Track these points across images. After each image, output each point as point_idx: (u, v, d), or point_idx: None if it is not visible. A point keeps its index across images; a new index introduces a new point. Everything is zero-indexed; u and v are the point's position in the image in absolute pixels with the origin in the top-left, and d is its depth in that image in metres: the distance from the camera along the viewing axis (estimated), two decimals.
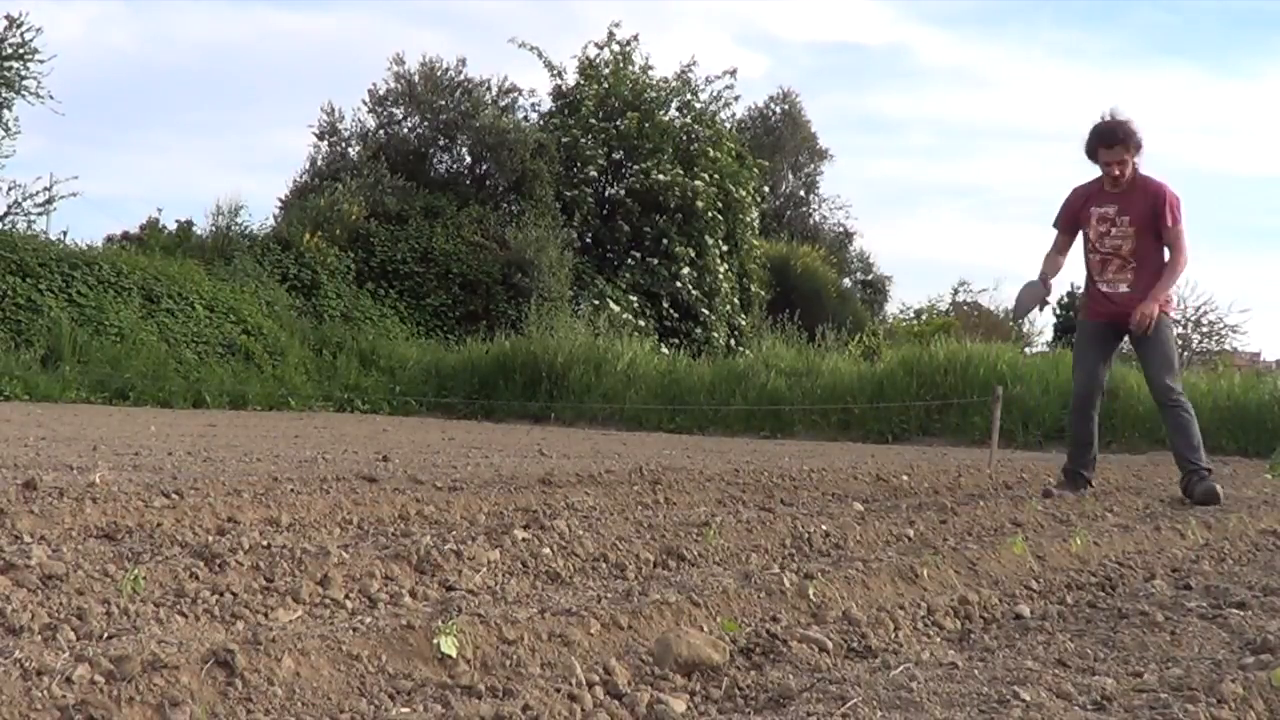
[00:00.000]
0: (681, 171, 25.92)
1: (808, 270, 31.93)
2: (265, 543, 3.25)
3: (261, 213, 46.58)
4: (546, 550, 3.50)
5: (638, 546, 3.75)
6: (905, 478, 7.25)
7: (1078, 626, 3.01)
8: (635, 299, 24.80)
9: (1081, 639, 2.80)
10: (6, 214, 18.80)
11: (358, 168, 24.32)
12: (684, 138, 27.02)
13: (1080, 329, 6.83)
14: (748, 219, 27.95)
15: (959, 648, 2.76)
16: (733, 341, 25.98)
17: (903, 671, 2.32)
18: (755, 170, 29.04)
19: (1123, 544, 4.54)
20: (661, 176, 25.59)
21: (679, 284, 25.56)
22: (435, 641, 2.27)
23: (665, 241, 25.54)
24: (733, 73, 27.83)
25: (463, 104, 25.12)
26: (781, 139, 39.95)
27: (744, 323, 26.93)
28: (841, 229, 42.10)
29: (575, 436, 13.70)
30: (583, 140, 25.71)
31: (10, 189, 18.89)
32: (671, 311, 25.56)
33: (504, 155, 24.65)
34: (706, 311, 25.93)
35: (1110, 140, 6.23)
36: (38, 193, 18.90)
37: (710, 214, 26.29)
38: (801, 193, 42.01)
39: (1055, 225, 6.68)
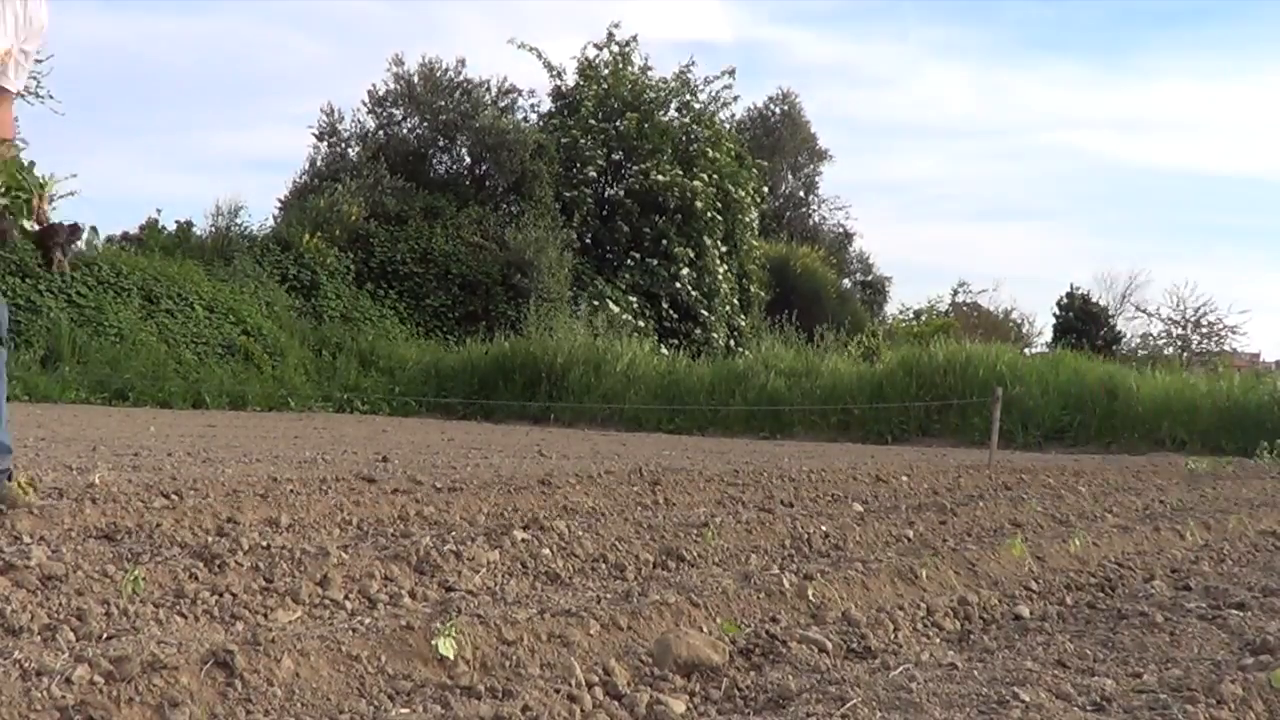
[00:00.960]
0: (681, 172, 25.92)
1: (807, 271, 31.94)
2: (265, 543, 3.25)
3: (261, 213, 46.55)
4: (546, 551, 3.50)
5: (637, 547, 3.75)
6: (905, 478, 7.25)
7: (1077, 627, 3.01)
8: (635, 300, 24.80)
9: (1081, 640, 2.80)
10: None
11: (357, 168, 24.33)
12: (683, 138, 27.02)
13: None
14: (747, 219, 27.95)
15: (959, 648, 2.76)
16: (732, 342, 25.98)
17: (902, 672, 2.32)
18: (754, 171, 29.04)
19: (1122, 545, 4.54)
20: (661, 177, 25.59)
21: (678, 285, 25.56)
22: (435, 642, 2.27)
23: (664, 242, 25.54)
24: (731, 73, 27.87)
25: (462, 105, 25.13)
26: (781, 139, 39.95)
27: (743, 323, 26.93)
28: (841, 229, 42.13)
29: (575, 437, 13.70)
30: (582, 141, 25.71)
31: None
32: (671, 312, 25.56)
33: (503, 156, 24.65)
34: (706, 312, 25.93)
35: None
36: None
37: (709, 214, 26.29)
38: (801, 193, 42.02)
39: None
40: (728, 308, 26.75)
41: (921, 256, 68.78)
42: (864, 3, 67.39)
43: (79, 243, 3.91)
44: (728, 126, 29.15)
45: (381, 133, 25.62)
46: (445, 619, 2.38)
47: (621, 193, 26.51)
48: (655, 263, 25.52)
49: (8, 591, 2.53)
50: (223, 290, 19.43)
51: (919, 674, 2.30)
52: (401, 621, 2.37)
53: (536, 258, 22.90)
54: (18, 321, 16.30)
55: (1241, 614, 3.14)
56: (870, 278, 41.41)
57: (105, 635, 2.32)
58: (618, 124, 26.12)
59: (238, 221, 22.31)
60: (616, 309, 23.27)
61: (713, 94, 27.77)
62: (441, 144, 25.68)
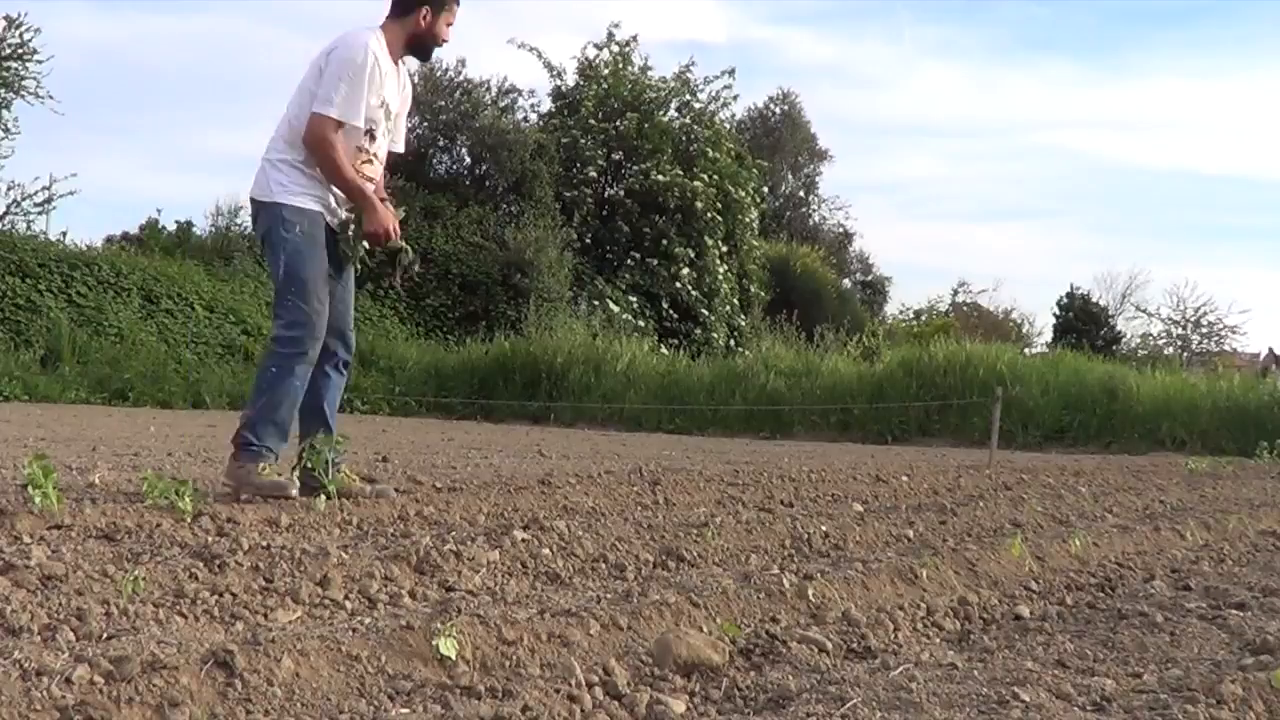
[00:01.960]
0: (681, 172, 25.90)
1: (807, 271, 31.92)
2: (265, 543, 3.25)
3: None
4: (546, 551, 3.50)
5: (637, 547, 3.75)
6: (905, 478, 7.25)
7: (1077, 627, 3.01)
8: (635, 299, 24.79)
9: (1081, 640, 2.80)
10: (6, 214, 18.79)
11: None
12: (683, 138, 27.00)
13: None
14: (747, 219, 27.93)
15: (959, 648, 2.76)
16: (732, 342, 25.96)
17: (902, 672, 2.32)
18: (754, 171, 29.02)
19: (1122, 545, 4.54)
20: (661, 177, 25.57)
21: (678, 284, 25.55)
22: (435, 642, 2.27)
23: (664, 242, 25.52)
24: (731, 73, 27.86)
25: (462, 105, 25.12)
26: (781, 139, 39.94)
27: (743, 323, 26.92)
28: (841, 229, 42.13)
29: (575, 437, 13.69)
30: (582, 141, 25.70)
31: (10, 189, 18.89)
32: (671, 312, 25.54)
33: (504, 156, 24.64)
34: (706, 312, 25.91)
35: None
36: (37, 192, 18.89)
37: (710, 214, 26.27)
38: (801, 193, 42.01)
39: None
40: (728, 308, 26.74)
41: (921, 256, 68.83)
42: (857, 2, 67.42)
43: (415, 266, 4.76)
44: (728, 127, 29.14)
45: None
46: (445, 619, 2.38)
47: (621, 193, 26.49)
48: (655, 263, 25.50)
49: (8, 591, 2.53)
50: (223, 290, 19.42)
51: (919, 674, 2.30)
52: (401, 621, 2.37)
53: (536, 258, 22.89)
54: (18, 321, 16.31)
55: (1241, 614, 3.14)
56: (870, 278, 41.41)
57: (105, 635, 2.32)
58: (618, 124, 26.09)
59: (238, 221, 22.29)
60: (616, 309, 23.26)
61: (713, 94, 27.78)
62: (441, 144, 25.67)
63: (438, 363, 19.89)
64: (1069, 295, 37.16)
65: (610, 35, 27.03)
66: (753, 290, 28.14)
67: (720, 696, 2.28)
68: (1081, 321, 35.73)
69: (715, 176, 26.64)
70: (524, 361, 18.83)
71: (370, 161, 4.55)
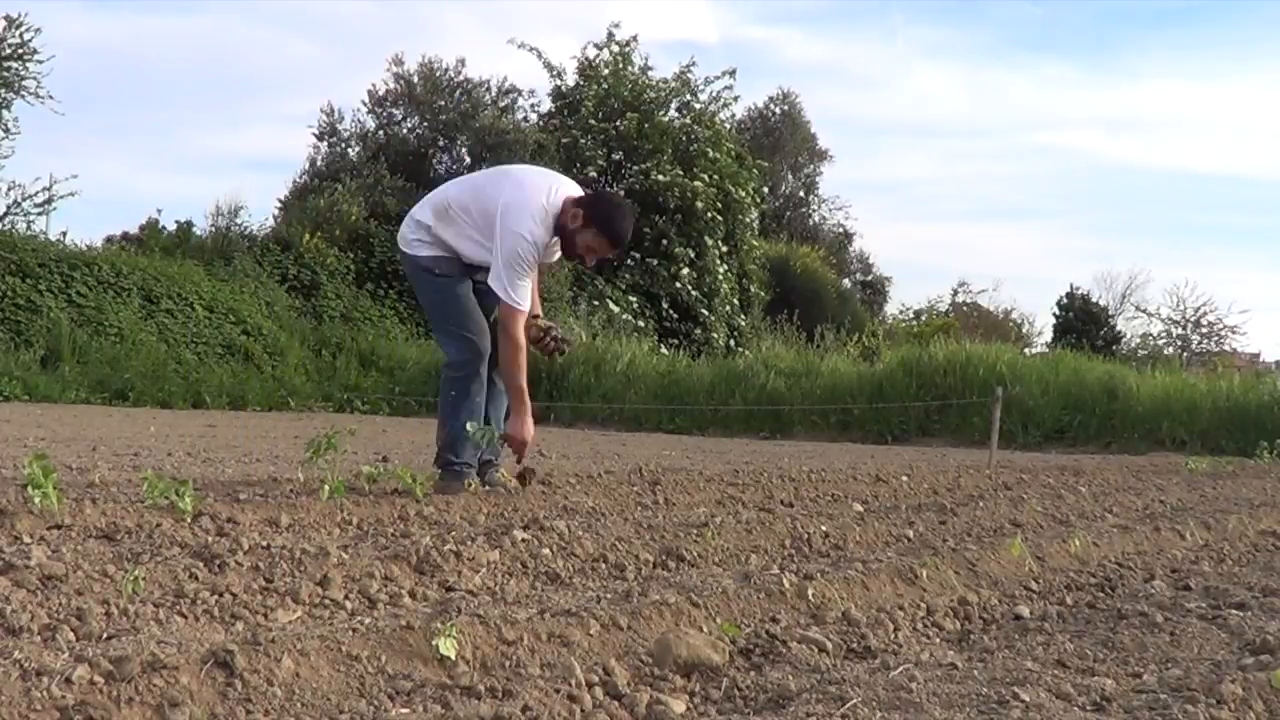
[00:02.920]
0: (681, 172, 25.90)
1: (807, 271, 31.93)
2: (265, 543, 3.25)
3: (261, 213, 46.51)
4: (546, 551, 3.50)
5: (637, 547, 3.75)
6: (905, 478, 7.25)
7: (1077, 627, 3.01)
8: (635, 300, 24.79)
9: (1081, 640, 2.80)
10: (6, 214, 18.79)
11: (357, 168, 24.31)
12: (683, 138, 26.99)
13: None
14: (747, 219, 27.94)
15: (958, 648, 2.76)
16: (732, 342, 25.97)
17: (902, 672, 2.32)
18: (754, 171, 29.01)
19: (1122, 545, 4.54)
20: (661, 177, 25.57)
21: (678, 285, 25.55)
22: (435, 642, 2.27)
23: (665, 242, 25.52)
24: (732, 73, 27.86)
25: (462, 104, 25.12)
26: (781, 140, 39.95)
27: (743, 323, 26.92)
28: (841, 229, 42.13)
29: (574, 437, 13.69)
30: (582, 141, 25.70)
31: (10, 189, 18.89)
32: (671, 312, 25.54)
33: (504, 156, 24.63)
34: (706, 312, 25.92)
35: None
36: (37, 193, 18.89)
37: (710, 215, 26.27)
38: (801, 193, 42.02)
39: None
40: (728, 308, 26.74)
41: (921, 256, 68.85)
42: (850, 3, 67.43)
43: (570, 348, 5.62)
44: (728, 127, 29.14)
45: (381, 132, 25.61)
46: (445, 619, 2.38)
47: (622, 193, 26.50)
48: (655, 263, 25.50)
49: (8, 591, 2.52)
50: (223, 290, 19.42)
51: (919, 674, 2.30)
52: (401, 621, 2.37)
53: None
54: (18, 321, 16.31)
55: (1241, 614, 3.14)
56: (870, 278, 41.44)
57: (105, 635, 2.32)
58: (618, 124, 26.09)
59: (238, 221, 22.30)
60: (616, 309, 23.26)
61: (713, 94, 27.79)
62: (441, 144, 25.67)
63: (438, 363, 19.84)
64: (1069, 295, 37.18)
65: (610, 35, 27.06)
66: (753, 290, 28.14)
67: (720, 696, 2.28)
68: (1081, 321, 35.75)
69: (715, 176, 26.64)
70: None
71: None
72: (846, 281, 38.03)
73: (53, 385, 15.31)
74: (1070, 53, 70.13)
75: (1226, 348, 36.66)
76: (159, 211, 30.48)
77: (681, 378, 18.60)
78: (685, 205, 25.81)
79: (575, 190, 5.02)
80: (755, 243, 28.88)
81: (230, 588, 2.75)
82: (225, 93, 57.49)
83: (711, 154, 26.77)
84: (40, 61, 18.81)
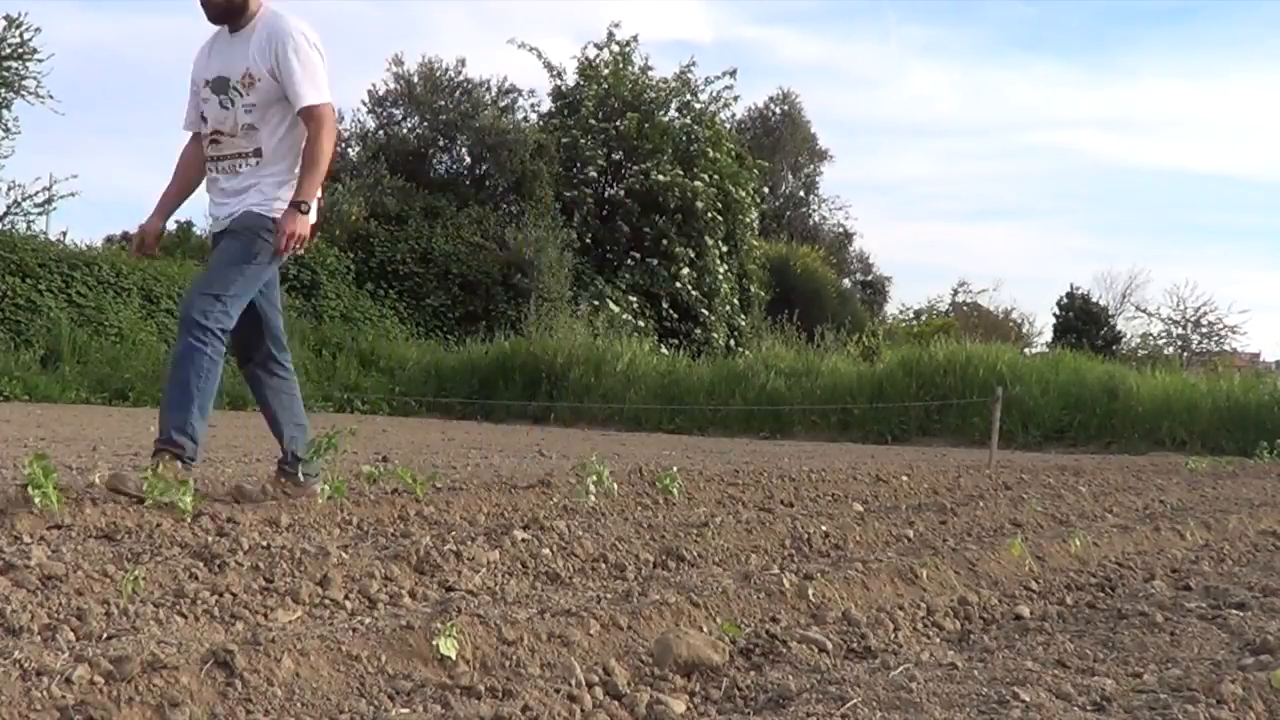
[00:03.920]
0: (681, 172, 25.90)
1: (807, 271, 31.92)
2: (265, 543, 3.25)
3: None
4: (546, 551, 3.50)
5: (637, 547, 3.75)
6: (905, 478, 7.25)
7: (1077, 627, 3.01)
8: (635, 299, 24.79)
9: (1081, 640, 2.80)
10: (6, 214, 18.79)
11: (357, 168, 24.30)
12: (683, 138, 27.00)
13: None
14: (747, 219, 27.94)
15: (959, 648, 2.76)
16: (732, 342, 25.97)
17: (902, 672, 2.32)
18: (755, 171, 29.01)
19: (1122, 545, 4.54)
20: (661, 177, 25.57)
21: (678, 284, 25.55)
22: (435, 642, 2.27)
23: (665, 242, 25.52)
24: (732, 73, 27.85)
25: (462, 104, 25.11)
26: (781, 139, 39.93)
27: (743, 323, 26.92)
28: (841, 229, 42.12)
29: (575, 437, 13.69)
30: (582, 141, 25.69)
31: (10, 189, 18.89)
32: (671, 312, 25.54)
33: (504, 156, 24.64)
34: (706, 312, 25.91)
35: None
36: (37, 193, 18.89)
37: (710, 214, 26.28)
38: (801, 193, 42.00)
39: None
40: (728, 308, 26.74)
41: (921, 256, 68.83)
42: (842, 3, 67.42)
43: None
44: (728, 127, 29.13)
45: (381, 132, 25.61)
46: (445, 619, 2.38)
47: (622, 193, 26.49)
48: (655, 263, 25.51)
49: (8, 591, 2.52)
50: None
51: (919, 674, 2.30)
52: (401, 621, 2.37)
53: (536, 257, 22.89)
54: (18, 321, 16.31)
55: (1241, 614, 3.14)
56: (870, 277, 41.41)
57: (105, 635, 2.32)
58: (618, 124, 26.09)
59: None
60: (616, 309, 23.26)
61: (713, 94, 27.78)
62: (441, 144, 25.67)
63: (438, 363, 19.89)
64: (1069, 295, 37.17)
65: (610, 35, 27.06)
66: (753, 290, 28.14)
67: (720, 696, 2.28)
68: (1081, 321, 35.75)
69: (715, 176, 26.65)
70: (524, 361, 18.83)
71: (217, 141, 4.44)
72: (846, 281, 38.02)
73: (53, 385, 15.32)
74: (1066, 52, 70.21)
75: (1226, 348, 36.64)
76: None
77: (681, 378, 18.61)
78: (685, 205, 25.80)
79: None
80: (755, 243, 28.89)
81: (230, 588, 2.75)
82: None
83: (712, 154, 26.77)
84: (40, 61, 18.82)
